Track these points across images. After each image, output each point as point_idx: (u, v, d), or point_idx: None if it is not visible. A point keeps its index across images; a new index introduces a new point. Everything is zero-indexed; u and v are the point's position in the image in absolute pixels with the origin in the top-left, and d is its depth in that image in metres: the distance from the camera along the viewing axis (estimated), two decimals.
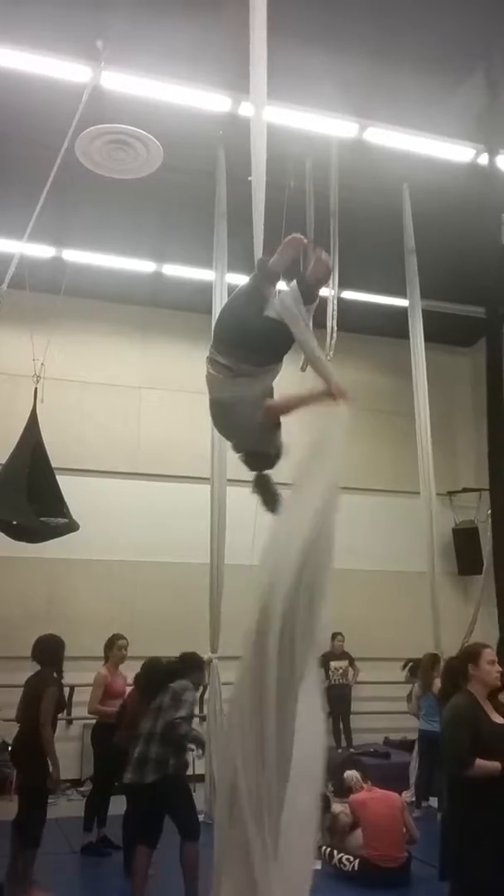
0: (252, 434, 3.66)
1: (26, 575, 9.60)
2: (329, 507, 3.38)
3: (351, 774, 6.75)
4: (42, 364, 8.22)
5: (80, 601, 9.78)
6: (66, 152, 6.45)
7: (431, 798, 8.48)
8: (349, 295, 9.29)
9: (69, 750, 9.39)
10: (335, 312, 8.03)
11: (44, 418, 8.33)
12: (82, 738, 9.11)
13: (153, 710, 5.46)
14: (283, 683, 2.98)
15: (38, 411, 8.28)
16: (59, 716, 7.31)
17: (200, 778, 7.71)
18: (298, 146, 7.45)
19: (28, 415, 8.28)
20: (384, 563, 10.91)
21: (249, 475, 3.80)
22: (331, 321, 7.99)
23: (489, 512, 11.28)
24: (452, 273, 9.80)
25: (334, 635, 10.63)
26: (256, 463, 3.76)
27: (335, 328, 7.97)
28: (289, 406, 3.66)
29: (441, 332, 11.28)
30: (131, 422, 10.63)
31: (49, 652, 5.90)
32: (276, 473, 3.80)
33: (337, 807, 6.55)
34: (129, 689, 6.91)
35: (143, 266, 9.74)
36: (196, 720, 9.68)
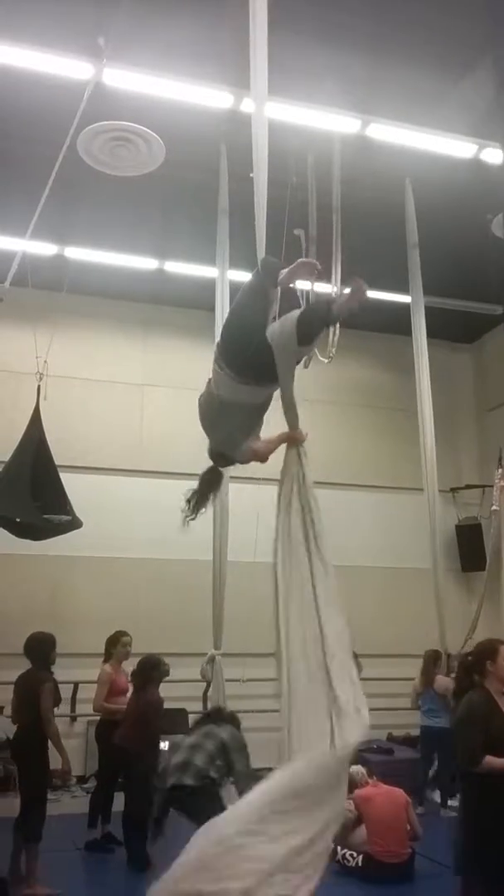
0: (234, 442, 3.67)
1: (29, 572, 9.62)
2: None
3: (356, 769, 6.75)
4: (45, 361, 8.23)
5: (83, 598, 9.80)
6: (68, 149, 6.45)
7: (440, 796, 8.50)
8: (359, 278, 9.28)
9: (73, 747, 9.38)
10: None
11: (47, 415, 8.34)
12: (86, 734, 9.13)
13: (203, 733, 5.53)
14: None
15: (41, 409, 8.29)
16: (65, 713, 7.37)
17: None
18: (300, 142, 7.44)
19: (31, 412, 8.29)
20: (387, 559, 10.92)
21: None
22: None
23: (492, 508, 11.31)
24: (455, 269, 9.79)
25: None
26: (220, 462, 3.83)
27: (337, 325, 7.96)
28: (270, 450, 3.67)
29: (443, 329, 11.26)
30: (134, 419, 10.64)
31: (39, 649, 5.95)
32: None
33: None
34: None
35: (145, 263, 9.74)
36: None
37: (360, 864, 5.95)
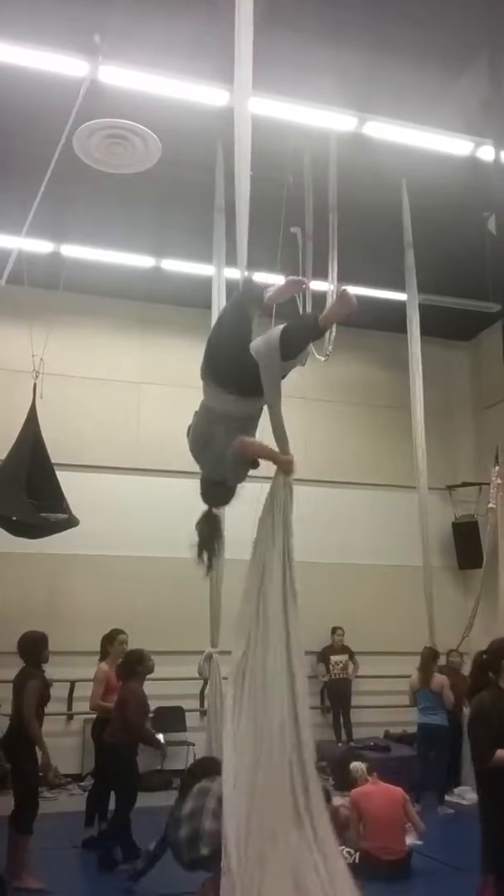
0: (221, 459, 3.63)
1: (26, 570, 9.61)
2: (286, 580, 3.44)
3: (357, 766, 6.77)
4: (41, 359, 8.23)
5: (80, 597, 9.80)
6: (64, 147, 6.43)
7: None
8: (348, 289, 9.27)
9: (70, 745, 9.42)
10: None
11: (43, 414, 8.33)
12: (83, 733, 9.13)
13: (197, 794, 5.23)
14: None
15: (37, 407, 8.29)
16: (62, 711, 7.35)
17: None
18: (297, 140, 7.44)
19: (27, 410, 8.28)
20: (384, 557, 10.93)
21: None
22: None
23: (489, 505, 11.33)
24: (452, 267, 9.80)
25: (334, 630, 10.66)
26: (214, 494, 3.77)
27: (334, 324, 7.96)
28: (256, 450, 3.65)
29: (440, 327, 11.27)
30: (131, 417, 10.63)
31: (29, 647, 6.02)
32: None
33: (337, 800, 6.57)
34: None
35: (141, 261, 9.72)
36: (196, 715, 9.80)
37: (356, 861, 5.96)
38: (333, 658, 10.53)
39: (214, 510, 3.84)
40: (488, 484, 11.45)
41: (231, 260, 7.64)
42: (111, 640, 7.32)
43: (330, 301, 8.04)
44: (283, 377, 3.56)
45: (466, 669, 9.52)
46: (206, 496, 3.81)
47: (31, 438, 8.14)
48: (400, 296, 8.93)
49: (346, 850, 6.02)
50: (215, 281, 7.76)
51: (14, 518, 7.84)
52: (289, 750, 3.16)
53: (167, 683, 9.23)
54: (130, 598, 9.85)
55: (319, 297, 8.00)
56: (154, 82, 6.43)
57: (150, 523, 9.92)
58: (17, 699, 5.88)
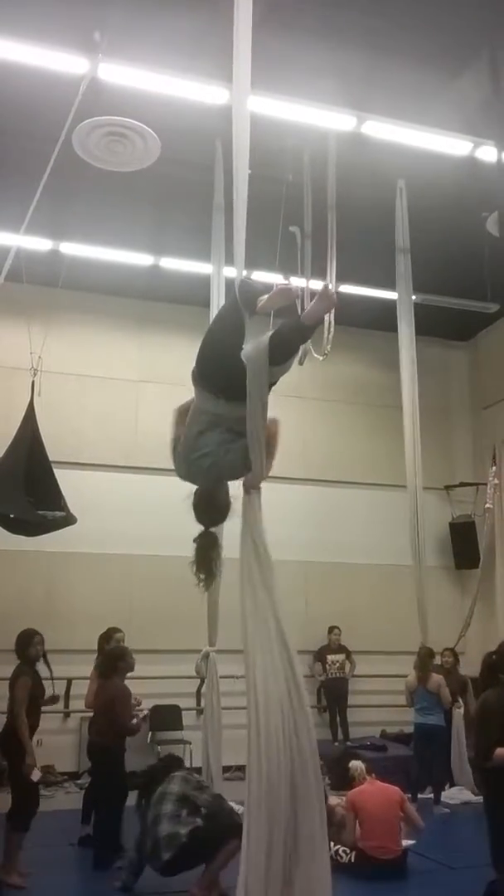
0: (221, 464, 3.57)
1: (23, 568, 9.61)
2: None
3: (356, 765, 6.78)
4: (39, 357, 8.21)
5: (78, 594, 9.79)
6: (64, 144, 6.42)
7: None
8: (346, 289, 9.28)
9: (67, 743, 9.43)
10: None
11: (41, 411, 8.32)
12: (80, 731, 9.14)
13: (156, 801, 5.37)
14: None
15: (35, 404, 8.27)
16: (59, 709, 7.34)
17: (197, 771, 7.73)
18: (296, 139, 7.43)
19: (25, 408, 8.27)
20: (381, 556, 10.94)
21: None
22: (328, 315, 7.98)
23: (486, 506, 11.35)
24: (450, 267, 9.81)
25: (331, 629, 10.67)
26: (209, 509, 3.64)
27: (332, 322, 7.96)
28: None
29: (438, 327, 11.28)
30: (129, 415, 10.63)
31: (20, 644, 6.10)
32: None
33: (333, 799, 6.58)
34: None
35: (140, 259, 9.72)
36: (193, 713, 9.80)
37: (352, 860, 5.97)
38: (330, 657, 10.53)
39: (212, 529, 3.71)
40: (486, 484, 11.50)
41: (230, 258, 7.63)
42: (108, 638, 7.34)
43: None
44: (274, 384, 3.51)
45: (462, 669, 9.61)
46: (200, 514, 3.66)
47: (28, 436, 8.12)
48: (397, 295, 8.93)
49: (343, 849, 6.05)
50: (214, 279, 7.76)
51: (11, 515, 7.83)
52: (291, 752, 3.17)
53: (164, 682, 9.25)
54: (128, 596, 9.85)
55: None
56: (154, 80, 6.43)
57: (147, 521, 9.91)
58: (9, 696, 5.93)
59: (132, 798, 6.12)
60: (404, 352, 8.39)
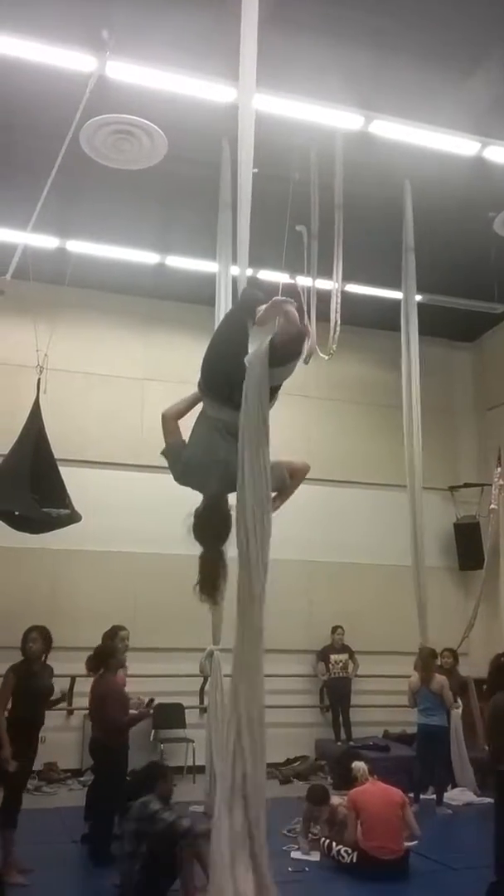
0: (213, 471, 3.56)
1: (28, 566, 9.62)
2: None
3: (359, 765, 6.78)
4: (45, 355, 8.22)
5: (82, 592, 9.80)
6: (71, 142, 6.43)
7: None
8: (352, 288, 9.27)
9: (70, 740, 9.44)
10: (339, 306, 8.01)
11: (47, 409, 8.33)
12: (83, 728, 9.15)
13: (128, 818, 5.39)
14: None
15: (41, 402, 8.28)
16: (62, 706, 7.35)
17: (201, 769, 7.75)
18: (303, 138, 7.42)
19: (31, 405, 8.28)
20: (385, 556, 10.91)
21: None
22: (334, 314, 7.98)
23: (491, 507, 11.33)
24: (456, 267, 9.79)
25: (334, 629, 10.66)
26: (213, 522, 3.56)
27: (338, 322, 7.95)
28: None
29: (443, 327, 11.26)
30: (134, 413, 10.62)
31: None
32: None
33: (336, 799, 6.58)
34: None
35: (146, 257, 9.72)
36: (196, 711, 9.80)
37: (354, 860, 5.97)
38: (333, 657, 10.53)
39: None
40: (490, 485, 11.47)
41: (236, 257, 7.63)
42: (113, 636, 7.33)
43: (333, 300, 8.07)
44: (278, 388, 3.50)
45: (466, 670, 9.59)
46: (206, 528, 3.58)
47: (34, 434, 8.13)
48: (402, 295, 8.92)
49: (344, 849, 6.04)
50: (220, 277, 7.75)
51: (17, 513, 7.85)
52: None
53: (167, 680, 9.25)
54: (132, 594, 9.86)
55: (324, 296, 8.01)
56: (161, 78, 6.43)
57: (152, 519, 9.90)
58: None
59: None
60: (407, 351, 8.38)
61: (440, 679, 8.52)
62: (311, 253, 8.09)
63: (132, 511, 10.17)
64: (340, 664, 10.53)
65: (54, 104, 6.49)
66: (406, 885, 5.87)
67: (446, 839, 7.16)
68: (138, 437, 10.47)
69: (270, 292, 3.68)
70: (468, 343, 12.72)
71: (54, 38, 6.05)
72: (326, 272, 7.97)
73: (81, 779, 8.90)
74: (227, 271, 7.59)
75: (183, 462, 3.71)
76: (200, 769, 7.75)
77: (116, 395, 10.72)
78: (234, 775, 3.09)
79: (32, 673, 6.03)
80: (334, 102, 6.85)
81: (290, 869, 6.02)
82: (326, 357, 7.91)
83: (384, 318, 9.98)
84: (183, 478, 3.71)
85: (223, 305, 7.22)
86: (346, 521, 11.10)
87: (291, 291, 3.78)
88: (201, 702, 9.67)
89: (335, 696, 10.49)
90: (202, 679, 9.03)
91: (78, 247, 9.29)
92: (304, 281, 8.13)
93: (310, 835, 6.57)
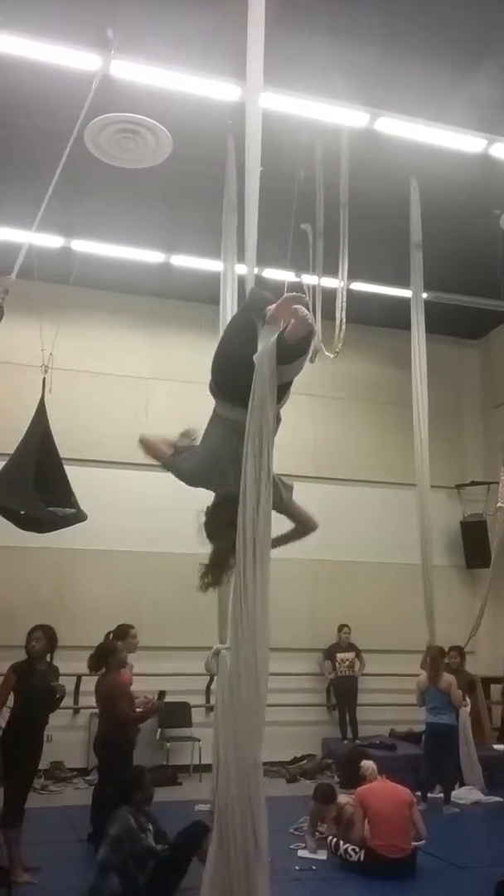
0: (228, 471, 3.49)
1: (34, 565, 9.63)
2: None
3: (368, 764, 6.78)
4: (50, 354, 8.21)
5: (88, 591, 9.81)
6: (76, 141, 6.42)
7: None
8: (358, 286, 9.25)
9: (76, 739, 9.45)
10: (344, 304, 7.99)
11: (52, 408, 8.32)
12: (89, 727, 9.16)
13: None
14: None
15: (46, 401, 8.27)
16: (68, 705, 7.35)
17: (207, 768, 7.75)
18: (309, 136, 7.41)
19: (36, 405, 8.28)
20: (391, 555, 10.91)
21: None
22: (340, 313, 7.96)
23: (498, 505, 11.29)
24: (462, 265, 9.76)
25: (341, 627, 10.66)
26: (227, 518, 3.41)
27: (344, 320, 7.93)
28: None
29: (450, 325, 11.24)
30: (139, 412, 10.63)
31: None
32: None
33: (343, 798, 6.58)
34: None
35: (151, 256, 9.72)
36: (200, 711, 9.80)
37: (361, 859, 5.96)
38: (340, 655, 10.52)
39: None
40: (497, 483, 11.42)
41: (241, 256, 7.61)
42: (123, 634, 7.30)
43: (339, 298, 8.05)
44: (287, 386, 3.48)
45: (473, 668, 9.57)
46: (218, 524, 3.52)
47: (39, 433, 8.13)
48: (409, 293, 8.89)
49: (352, 847, 6.04)
50: (225, 276, 7.74)
51: (22, 512, 7.84)
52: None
53: (173, 679, 9.24)
54: (137, 593, 9.87)
55: (329, 294, 7.99)
56: (166, 77, 6.43)
57: (157, 518, 9.91)
58: None
59: None
60: (416, 349, 8.36)
61: (448, 678, 8.50)
62: (317, 251, 8.08)
63: (138, 510, 10.17)
64: (347, 662, 10.52)
65: (59, 103, 6.49)
66: (413, 883, 5.87)
67: (454, 838, 7.15)
68: None
69: (275, 292, 3.66)
70: (475, 340, 12.69)
71: (59, 37, 6.05)
72: (332, 270, 7.95)
73: (88, 777, 8.91)
74: (232, 270, 7.57)
75: (198, 463, 3.68)
76: (207, 768, 7.76)
77: (121, 393, 10.72)
78: (229, 769, 3.08)
79: (34, 672, 6.03)
80: (340, 100, 6.84)
81: (297, 867, 6.03)
82: (332, 356, 7.89)
83: (390, 317, 9.97)
84: (194, 481, 3.69)
85: (228, 304, 7.21)
86: (352, 519, 11.07)
87: (297, 290, 3.73)
88: (207, 700, 9.67)
89: (341, 694, 10.49)
90: (208, 678, 9.02)
91: (83, 246, 9.29)
92: (309, 279, 8.11)
93: (317, 833, 6.57)
